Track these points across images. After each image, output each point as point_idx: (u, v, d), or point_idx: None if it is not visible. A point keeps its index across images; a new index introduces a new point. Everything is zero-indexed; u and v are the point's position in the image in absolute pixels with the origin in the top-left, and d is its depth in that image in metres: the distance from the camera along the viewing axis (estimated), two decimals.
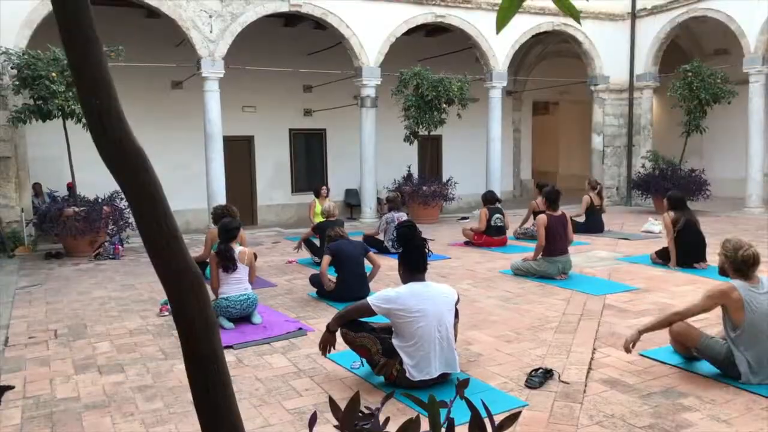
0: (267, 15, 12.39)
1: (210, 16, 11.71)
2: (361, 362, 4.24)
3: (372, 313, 3.99)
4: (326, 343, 4.17)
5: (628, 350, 4.20)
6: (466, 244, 10.09)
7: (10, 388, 4.16)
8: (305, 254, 9.00)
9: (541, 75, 18.21)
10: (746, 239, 4.12)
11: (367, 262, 6.55)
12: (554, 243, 7.30)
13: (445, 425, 1.61)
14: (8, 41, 10.00)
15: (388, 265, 7.78)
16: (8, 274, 8.60)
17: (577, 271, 7.66)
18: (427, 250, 4.21)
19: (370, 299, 4.02)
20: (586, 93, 16.56)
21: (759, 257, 4.01)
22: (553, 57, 18.61)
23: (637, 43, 15.66)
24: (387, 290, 4.06)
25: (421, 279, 4.09)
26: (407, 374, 3.90)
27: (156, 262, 1.63)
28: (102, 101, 1.51)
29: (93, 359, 4.77)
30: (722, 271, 4.17)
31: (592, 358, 4.49)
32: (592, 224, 11.04)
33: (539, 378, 4.01)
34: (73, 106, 9.16)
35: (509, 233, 10.24)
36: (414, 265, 4.08)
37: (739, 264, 3.97)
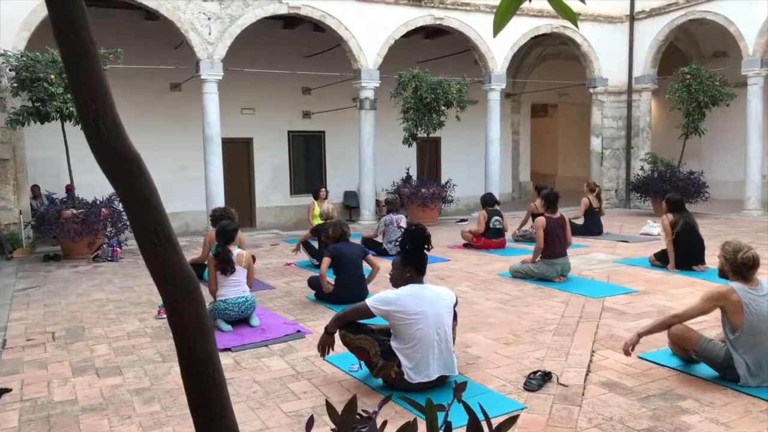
0: (266, 17, 12.40)
1: (209, 18, 11.71)
2: (360, 365, 4.23)
3: (371, 314, 3.98)
4: (325, 345, 4.16)
5: (627, 353, 4.19)
6: (465, 246, 10.09)
7: (7, 390, 4.15)
8: (304, 256, 8.99)
9: (540, 77, 18.24)
10: (745, 241, 4.12)
11: (365, 264, 6.55)
12: (553, 245, 7.30)
13: (443, 428, 1.61)
14: (7, 43, 10.00)
15: (387, 267, 7.77)
16: (6, 276, 8.59)
17: (575, 273, 7.65)
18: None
19: (369, 301, 4.02)
20: (585, 95, 16.59)
21: (759, 259, 4.00)
22: (552, 59, 18.64)
23: (635, 46, 15.67)
24: (386, 292, 4.05)
25: (420, 281, 4.08)
26: (405, 376, 3.89)
27: (151, 266, 1.63)
28: (98, 105, 1.51)
29: (91, 362, 4.76)
30: (722, 274, 4.16)
31: (590, 361, 4.48)
32: (591, 226, 11.04)
33: (538, 381, 4.00)
34: (71, 108, 9.15)
35: (508, 235, 10.24)
36: (419, 267, 4.06)
37: (739, 266, 3.97)
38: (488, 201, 10.17)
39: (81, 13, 1.49)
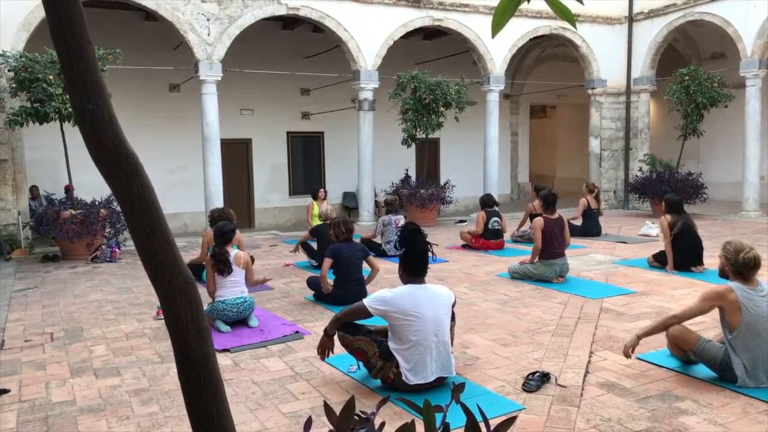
0: (265, 18, 12.40)
1: (208, 19, 11.71)
2: (358, 365, 4.22)
3: (368, 314, 3.97)
4: (324, 347, 4.16)
5: (627, 355, 4.19)
6: (464, 247, 10.09)
7: (5, 391, 4.14)
8: (303, 257, 8.99)
9: (539, 78, 18.25)
10: (746, 242, 4.12)
11: (365, 265, 6.54)
12: (551, 246, 7.30)
13: (441, 429, 1.61)
14: (5, 43, 10.00)
15: (386, 268, 7.78)
16: (5, 277, 8.58)
17: (574, 274, 7.66)
18: (430, 253, 4.19)
19: (366, 301, 4.01)
20: (584, 96, 16.60)
21: (760, 260, 4.01)
22: (551, 60, 18.66)
23: (634, 47, 15.68)
24: (383, 291, 4.04)
25: (420, 282, 4.07)
26: (403, 377, 3.88)
27: (148, 267, 1.63)
28: (94, 105, 1.51)
29: (89, 362, 4.76)
30: (722, 274, 4.16)
31: (589, 362, 4.48)
32: (590, 227, 11.05)
33: (536, 381, 4.00)
34: (70, 109, 9.14)
35: (506, 236, 10.25)
36: (413, 269, 4.06)
37: (740, 266, 3.97)
38: (487, 202, 10.17)
39: (77, 13, 1.49)
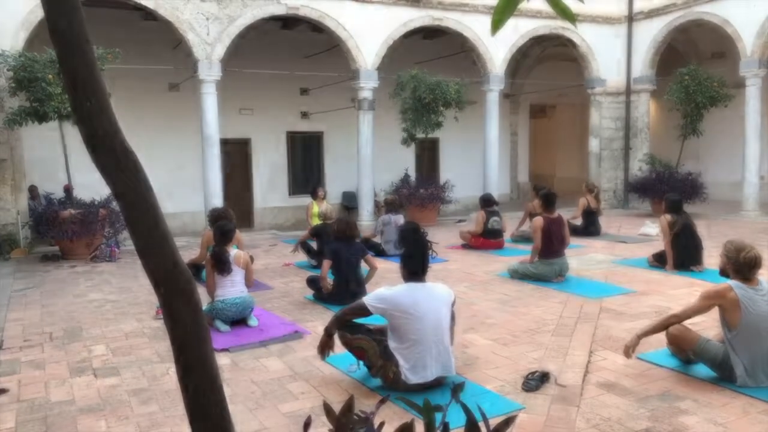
0: (264, 18, 12.39)
1: (207, 19, 11.70)
2: (358, 365, 4.22)
3: (368, 312, 3.97)
4: (324, 347, 4.16)
5: (628, 355, 4.19)
6: (464, 246, 10.09)
7: (4, 391, 4.14)
8: (302, 257, 8.99)
9: (539, 78, 18.24)
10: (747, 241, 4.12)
11: (364, 264, 6.54)
12: (551, 245, 7.31)
13: (441, 429, 1.61)
14: (5, 43, 9.99)
15: (385, 267, 7.77)
16: (4, 276, 8.57)
17: (573, 273, 7.65)
18: (431, 252, 4.19)
19: (366, 299, 4.02)
20: (584, 96, 16.59)
21: (761, 259, 4.01)
22: (551, 60, 18.64)
23: (634, 47, 15.67)
24: (383, 289, 4.03)
25: (420, 280, 4.07)
26: (403, 377, 3.88)
27: (147, 266, 1.63)
28: (93, 104, 1.51)
29: (88, 362, 4.75)
30: (723, 272, 4.17)
31: (588, 361, 4.48)
32: (589, 227, 11.05)
33: (536, 381, 4.00)
34: (69, 108, 9.13)
35: (506, 236, 10.25)
36: (413, 268, 4.06)
37: (741, 265, 3.97)
38: (487, 201, 10.17)
39: (76, 12, 1.49)
